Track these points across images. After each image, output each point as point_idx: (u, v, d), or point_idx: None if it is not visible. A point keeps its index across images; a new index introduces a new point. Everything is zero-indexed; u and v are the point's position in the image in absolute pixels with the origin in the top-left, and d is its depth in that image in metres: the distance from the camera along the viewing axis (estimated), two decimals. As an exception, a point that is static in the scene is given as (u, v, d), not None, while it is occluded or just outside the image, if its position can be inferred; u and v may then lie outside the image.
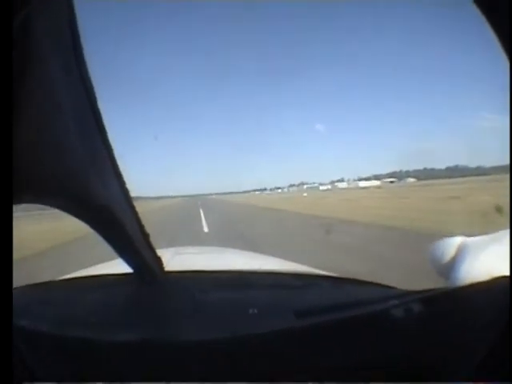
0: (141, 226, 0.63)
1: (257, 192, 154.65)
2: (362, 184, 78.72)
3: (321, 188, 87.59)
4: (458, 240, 0.78)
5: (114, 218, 0.53)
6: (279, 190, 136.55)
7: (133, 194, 0.59)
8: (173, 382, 0.43)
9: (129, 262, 0.66)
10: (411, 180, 70.29)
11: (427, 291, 0.58)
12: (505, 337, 0.43)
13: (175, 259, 1.23)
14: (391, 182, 78.03)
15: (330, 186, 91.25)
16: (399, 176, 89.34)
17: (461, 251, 0.75)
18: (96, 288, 0.79)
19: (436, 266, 0.79)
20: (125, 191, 0.57)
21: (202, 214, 15.52)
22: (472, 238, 0.77)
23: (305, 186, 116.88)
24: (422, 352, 0.49)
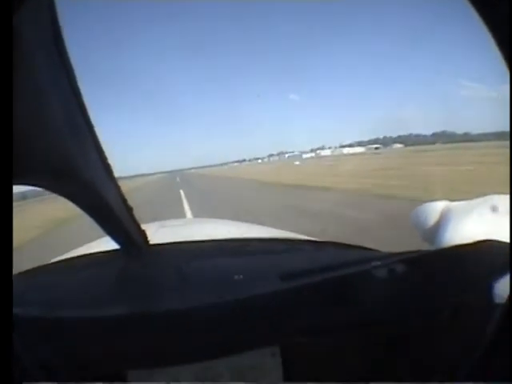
0: (124, 201, 0.63)
1: (235, 164, 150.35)
2: (347, 151, 76.14)
3: (304, 156, 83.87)
4: (441, 204, 0.80)
5: (98, 194, 0.54)
6: (259, 161, 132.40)
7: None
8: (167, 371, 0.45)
9: (115, 238, 0.68)
10: (398, 146, 68.02)
11: (409, 253, 0.61)
12: (505, 336, 0.42)
13: (159, 232, 1.25)
14: (376, 148, 76.01)
15: (313, 154, 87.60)
16: (383, 142, 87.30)
17: (444, 216, 0.77)
18: (85, 267, 0.79)
19: (419, 230, 0.80)
20: (107, 167, 0.57)
21: (183, 197, 12.09)
22: (455, 203, 0.79)
23: (286, 155, 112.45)
24: (404, 310, 0.51)
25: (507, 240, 0.54)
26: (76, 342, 0.46)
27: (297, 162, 44.28)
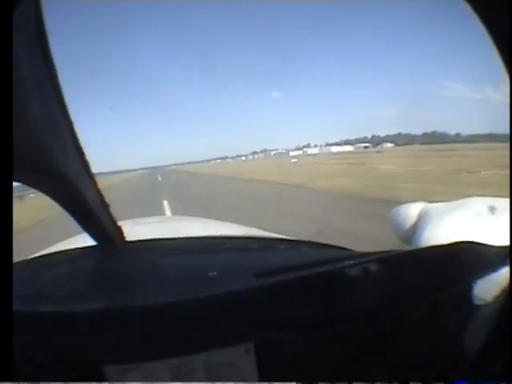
0: (101, 197, 0.64)
1: (218, 160, 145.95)
2: (335, 149, 73.58)
3: (291, 154, 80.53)
4: (418, 206, 0.82)
5: (76, 190, 0.55)
6: (243, 158, 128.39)
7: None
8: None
9: (91, 235, 0.69)
10: (389, 145, 65.92)
11: (384, 252, 0.62)
12: (504, 336, 0.44)
13: (134, 229, 1.24)
14: (365, 147, 73.86)
15: (300, 152, 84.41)
16: (372, 141, 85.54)
17: (422, 217, 0.79)
18: (61, 263, 0.80)
19: (397, 232, 0.84)
20: (85, 163, 0.58)
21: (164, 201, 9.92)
22: (433, 205, 0.82)
23: (272, 153, 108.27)
24: (379, 308, 0.51)
25: (487, 241, 0.56)
26: (52, 337, 0.46)
27: (294, 160, 39.32)
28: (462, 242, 0.56)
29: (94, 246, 0.72)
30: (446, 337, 0.53)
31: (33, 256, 0.94)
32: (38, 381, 0.45)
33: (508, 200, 0.67)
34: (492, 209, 0.72)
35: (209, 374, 0.48)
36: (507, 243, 0.48)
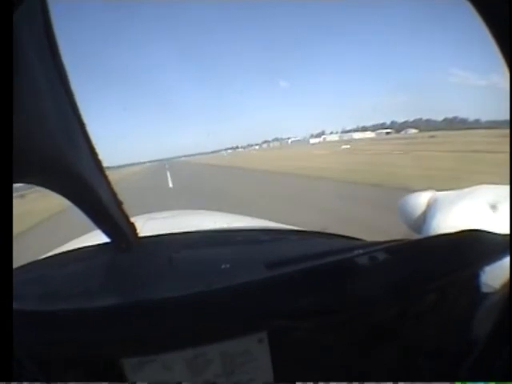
0: (114, 194, 0.65)
1: (229, 151, 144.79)
2: (357, 136, 72.13)
3: (311, 141, 78.45)
4: (427, 194, 0.82)
5: (88, 188, 0.56)
6: (257, 147, 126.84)
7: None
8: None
9: (105, 231, 0.70)
10: (413, 131, 64.35)
11: (394, 241, 0.62)
12: (502, 335, 0.45)
13: (148, 225, 1.28)
14: (387, 133, 72.35)
15: (321, 139, 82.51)
16: (391, 127, 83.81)
17: (431, 206, 0.78)
18: (76, 261, 0.82)
19: (406, 220, 0.84)
20: (97, 161, 0.59)
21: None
22: (442, 193, 0.81)
23: (289, 140, 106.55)
24: (389, 297, 0.53)
25: (495, 230, 0.57)
26: (70, 334, 0.47)
27: (346, 146, 31.52)
28: (468, 231, 0.57)
29: (107, 243, 0.74)
30: (453, 323, 0.54)
31: (48, 254, 0.96)
32: (57, 379, 0.46)
33: None
34: (499, 196, 0.72)
35: (225, 363, 0.50)
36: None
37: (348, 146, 31.88)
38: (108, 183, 0.62)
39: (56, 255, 0.92)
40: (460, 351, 0.50)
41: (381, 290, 0.51)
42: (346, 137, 75.66)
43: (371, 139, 56.87)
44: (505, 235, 0.54)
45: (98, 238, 0.74)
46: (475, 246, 0.56)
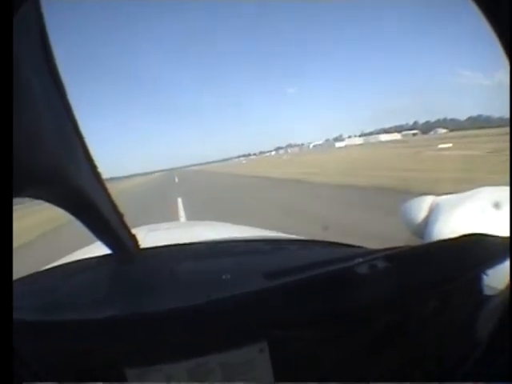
0: (114, 207, 0.65)
1: (241, 158, 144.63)
2: (384, 138, 72.19)
3: (337, 145, 76.83)
4: (429, 199, 0.82)
5: (88, 200, 0.56)
6: (272, 153, 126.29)
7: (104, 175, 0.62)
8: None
9: (106, 243, 0.69)
10: (442, 131, 64.43)
11: (394, 248, 0.62)
12: (504, 337, 0.45)
13: (149, 236, 1.29)
14: (414, 134, 72.68)
15: (346, 143, 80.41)
16: (413, 128, 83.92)
17: (433, 210, 0.78)
18: (78, 273, 0.82)
19: (409, 225, 0.83)
20: (96, 173, 0.59)
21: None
22: (443, 197, 0.81)
23: (311, 145, 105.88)
24: (390, 304, 0.53)
25: (498, 232, 0.56)
26: (74, 343, 0.48)
27: (393, 144, 28.99)
28: (469, 235, 0.57)
29: (109, 255, 0.74)
30: (455, 327, 0.53)
31: (51, 265, 0.97)
32: None
33: None
34: (500, 198, 0.72)
35: (225, 373, 0.50)
36: None
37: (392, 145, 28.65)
38: (108, 196, 0.63)
39: (59, 266, 0.92)
40: (462, 354, 0.50)
41: (381, 298, 0.52)
42: (372, 139, 75.24)
43: (402, 141, 55.51)
44: (505, 237, 0.53)
45: (101, 249, 0.73)
46: (476, 250, 0.56)
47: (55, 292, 0.70)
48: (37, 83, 0.42)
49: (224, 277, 0.61)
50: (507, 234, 0.53)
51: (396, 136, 72.24)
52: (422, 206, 0.81)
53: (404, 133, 76.09)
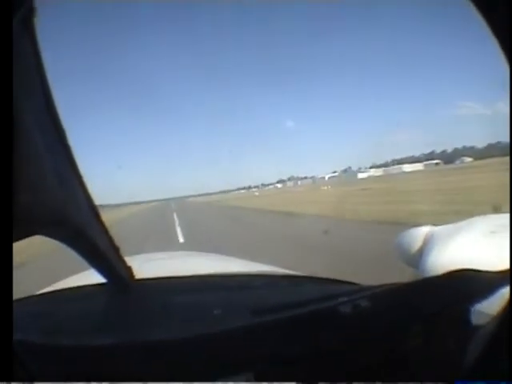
0: (110, 239, 0.68)
1: (242, 191, 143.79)
2: (407, 168, 72.17)
3: (360, 176, 75.25)
4: (424, 230, 0.85)
5: (86, 236, 0.58)
6: (274, 186, 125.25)
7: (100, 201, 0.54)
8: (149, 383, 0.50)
9: (101, 273, 0.71)
10: (468, 159, 64.48)
11: (381, 286, 0.64)
12: (504, 337, 0.47)
13: (145, 266, 1.28)
14: (436, 163, 72.84)
15: (368, 174, 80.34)
16: (430, 157, 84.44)
17: (428, 241, 0.81)
18: (73, 299, 0.86)
19: (403, 257, 0.87)
20: (91, 205, 0.61)
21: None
22: (438, 228, 0.84)
23: (327, 176, 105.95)
24: (376, 341, 0.54)
25: (493, 261, 0.59)
26: (69, 367, 0.50)
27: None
28: (458, 271, 0.58)
29: (105, 284, 0.74)
30: (442, 360, 0.54)
31: (48, 289, 1.01)
32: None
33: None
34: (496, 226, 0.71)
35: None
36: (507, 264, 0.50)
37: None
38: (106, 230, 0.65)
39: (54, 291, 0.95)
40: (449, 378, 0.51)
41: (364, 337, 0.53)
42: (394, 170, 75.15)
43: (430, 171, 54.79)
44: (494, 272, 0.56)
45: (95, 276, 0.74)
46: (464, 284, 0.57)
47: (52, 317, 0.72)
48: (35, 125, 0.43)
49: (216, 312, 0.64)
50: (502, 263, 0.54)
51: (419, 167, 72.36)
52: (417, 237, 0.82)
53: (426, 163, 76.30)
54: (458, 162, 65.96)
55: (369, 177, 69.48)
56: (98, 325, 0.66)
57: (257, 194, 64.96)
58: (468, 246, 0.72)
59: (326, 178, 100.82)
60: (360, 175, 77.38)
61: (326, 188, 39.86)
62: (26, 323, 0.62)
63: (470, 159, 64.79)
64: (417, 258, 0.79)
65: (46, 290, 1.04)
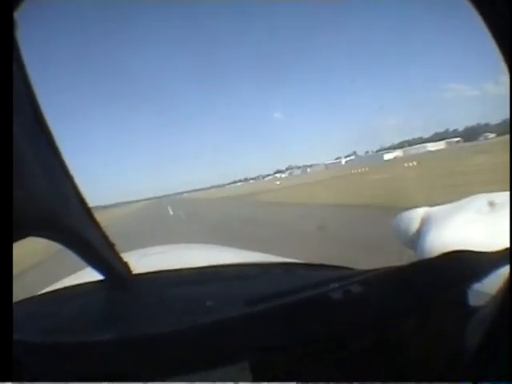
0: (105, 237, 0.69)
1: (239, 183, 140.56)
2: (432, 147, 73.10)
3: (385, 157, 70.34)
4: (421, 211, 0.83)
5: (81, 236, 0.59)
6: (278, 175, 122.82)
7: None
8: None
9: (98, 270, 0.73)
10: (491, 135, 66.10)
11: (374, 270, 0.64)
12: (504, 337, 0.46)
13: (142, 261, 1.37)
14: (457, 141, 74.97)
15: (395, 155, 73.32)
16: (444, 136, 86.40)
17: (425, 221, 0.79)
18: (72, 298, 0.88)
19: (401, 239, 0.85)
20: (83, 204, 0.62)
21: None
22: (435, 208, 0.82)
23: (343, 161, 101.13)
24: (371, 324, 0.54)
25: (492, 239, 0.58)
26: (70, 365, 0.51)
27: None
28: (453, 252, 0.58)
29: (103, 281, 0.77)
30: (440, 342, 0.55)
31: (48, 289, 1.03)
32: None
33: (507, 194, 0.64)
34: (494, 205, 0.71)
35: None
36: (506, 241, 0.49)
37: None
38: (100, 229, 0.67)
39: (54, 291, 0.98)
40: (448, 365, 0.52)
41: (358, 322, 0.54)
42: (414, 150, 73.69)
43: (458, 148, 53.37)
44: (490, 252, 0.56)
45: (93, 274, 0.76)
46: (460, 266, 0.58)
47: (53, 316, 0.73)
48: (23, 128, 0.43)
49: (208, 303, 0.66)
50: (501, 240, 0.52)
51: (440, 145, 73.60)
52: (414, 218, 0.80)
53: (447, 140, 78.15)
54: (481, 138, 67.45)
55: (395, 158, 66.41)
56: (97, 321, 0.67)
57: (278, 183, 52.36)
58: (465, 225, 0.71)
59: (343, 161, 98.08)
60: (386, 156, 73.80)
61: (410, 165, 28.35)
62: (26, 323, 0.63)
63: (493, 135, 66.02)
64: (415, 240, 0.78)
65: (46, 290, 1.06)
